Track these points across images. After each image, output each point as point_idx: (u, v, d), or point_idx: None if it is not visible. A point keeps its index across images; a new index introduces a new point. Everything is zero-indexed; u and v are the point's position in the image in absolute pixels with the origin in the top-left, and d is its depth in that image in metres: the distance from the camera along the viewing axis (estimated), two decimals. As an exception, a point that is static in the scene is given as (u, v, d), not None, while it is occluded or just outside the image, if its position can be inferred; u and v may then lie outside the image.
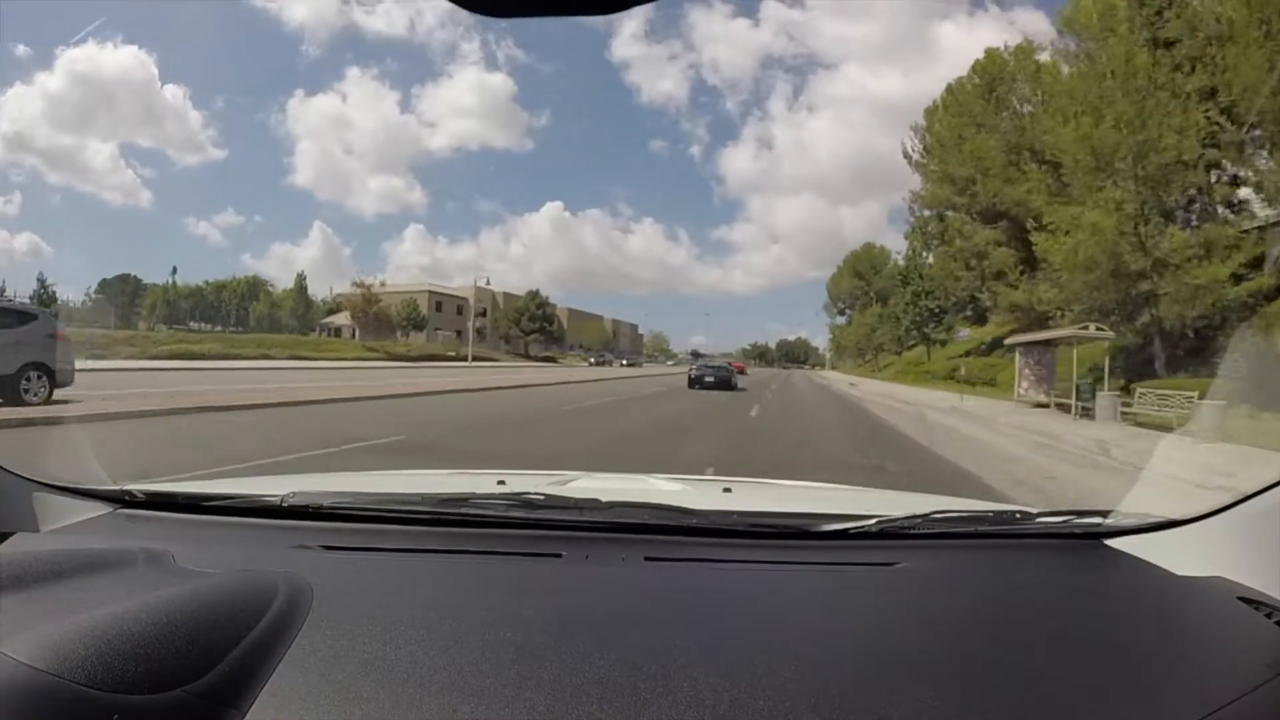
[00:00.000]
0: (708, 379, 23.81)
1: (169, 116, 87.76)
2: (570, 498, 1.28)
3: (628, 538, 1.17)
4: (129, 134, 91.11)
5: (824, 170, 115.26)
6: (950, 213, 35.32)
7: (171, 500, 1.30)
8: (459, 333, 61.74)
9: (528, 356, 62.33)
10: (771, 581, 1.06)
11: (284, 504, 1.24)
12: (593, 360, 60.16)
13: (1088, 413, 14.48)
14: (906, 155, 37.75)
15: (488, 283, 57.02)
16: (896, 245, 68.43)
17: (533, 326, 66.63)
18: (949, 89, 34.59)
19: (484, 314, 68.97)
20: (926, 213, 38.58)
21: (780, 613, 0.94)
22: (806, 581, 1.06)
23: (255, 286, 65.44)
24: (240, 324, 60.05)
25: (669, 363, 73.70)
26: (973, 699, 0.71)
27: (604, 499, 1.26)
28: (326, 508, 1.23)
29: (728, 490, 1.67)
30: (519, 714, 0.65)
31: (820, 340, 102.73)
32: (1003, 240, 30.38)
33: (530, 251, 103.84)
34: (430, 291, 65.89)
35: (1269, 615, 0.88)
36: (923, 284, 40.23)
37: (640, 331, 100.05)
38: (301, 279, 63.42)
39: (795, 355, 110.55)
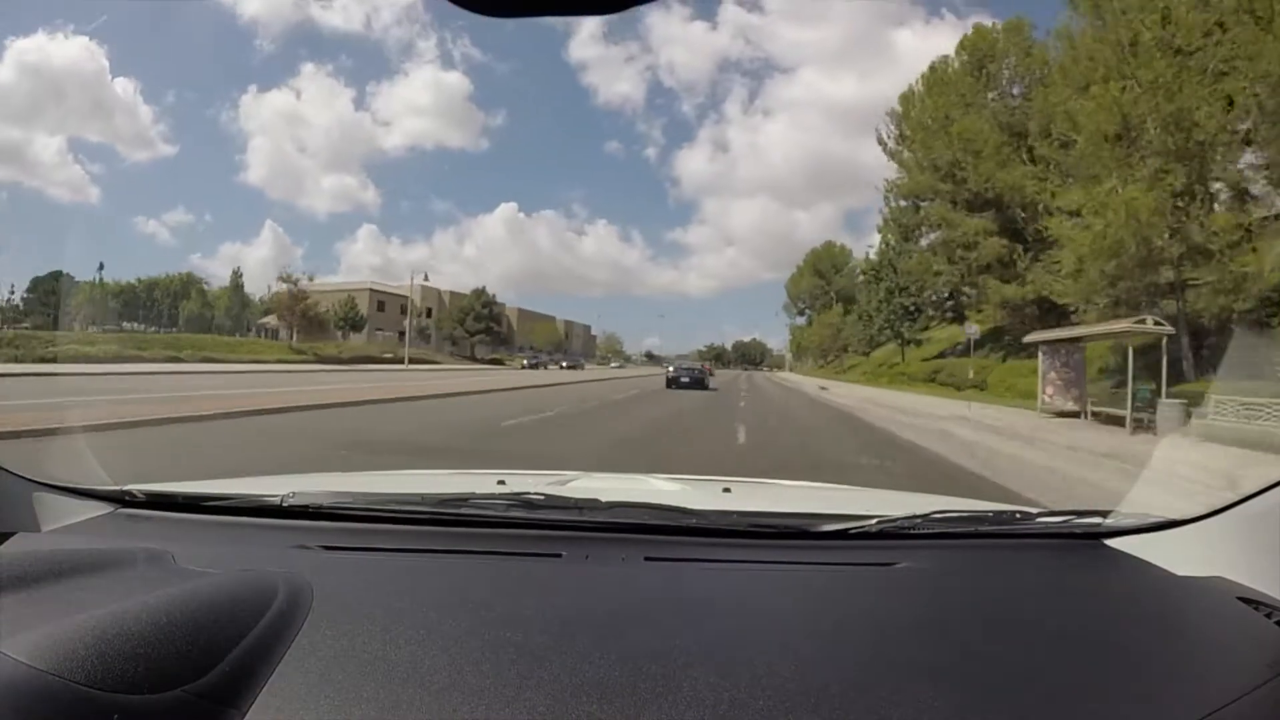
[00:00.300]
0: (684, 379, 26.48)
1: (119, 111, 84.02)
2: (570, 498, 1.28)
3: (628, 538, 1.17)
4: (78, 128, 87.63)
5: (779, 173, 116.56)
6: (930, 202, 32.42)
7: (172, 500, 1.30)
8: (401, 334, 57.91)
9: (473, 358, 58.62)
10: (771, 581, 1.05)
11: (284, 504, 1.23)
12: (526, 363, 53.62)
13: (1144, 425, 11.68)
14: (881, 142, 35.64)
15: (425, 278, 51.85)
16: (852, 247, 67.92)
17: (478, 327, 63.07)
18: (931, 68, 32.27)
19: (428, 314, 65.98)
20: (903, 203, 35.68)
21: (780, 613, 0.94)
22: (806, 581, 1.05)
23: (188, 284, 61.71)
24: (173, 324, 56.40)
25: (614, 364, 71.14)
26: (973, 699, 0.71)
27: (604, 499, 1.25)
28: (326, 508, 1.23)
29: (727, 490, 1.67)
30: (519, 714, 0.65)
31: (775, 341, 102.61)
32: (993, 229, 28.15)
33: (484, 253, 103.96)
34: (372, 290, 62.54)
35: (1269, 615, 0.88)
36: (897, 279, 37.47)
37: (594, 333, 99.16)
38: (237, 276, 58.43)
39: (751, 357, 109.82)
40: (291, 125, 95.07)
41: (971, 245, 28.54)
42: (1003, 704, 0.71)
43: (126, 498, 1.29)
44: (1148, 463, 8.01)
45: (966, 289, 31.05)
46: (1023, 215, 24.93)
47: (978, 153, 26.96)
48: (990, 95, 28.65)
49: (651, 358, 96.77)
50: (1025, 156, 23.43)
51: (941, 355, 35.83)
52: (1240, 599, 0.93)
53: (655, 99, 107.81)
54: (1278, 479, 1.00)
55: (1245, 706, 0.69)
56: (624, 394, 20.86)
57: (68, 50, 75.02)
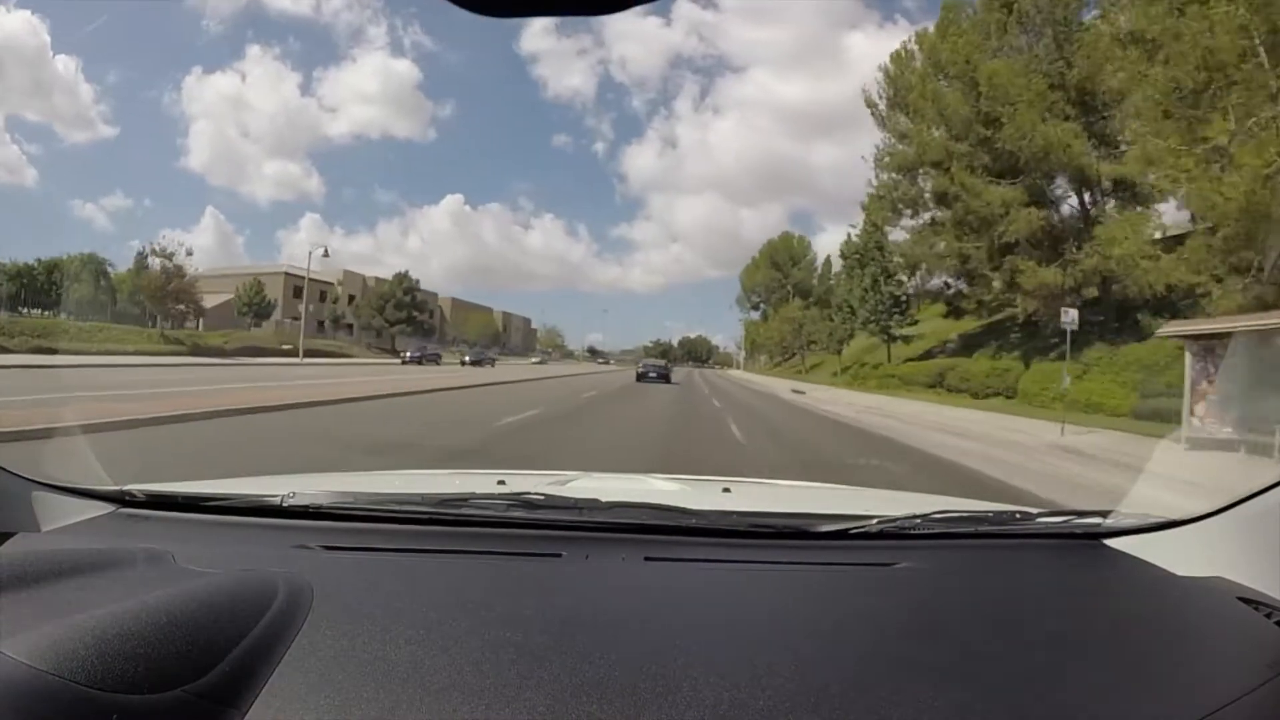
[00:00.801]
0: (651, 374, 30.56)
1: (59, 88, 77.99)
2: (570, 498, 1.28)
3: (628, 538, 1.17)
4: (16, 106, 79.73)
5: (727, 171, 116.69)
6: (935, 171, 26.56)
7: (172, 500, 1.30)
8: (321, 323, 53.40)
9: (394, 351, 50.09)
10: (771, 581, 1.06)
11: (284, 504, 1.23)
12: (410, 355, 42.65)
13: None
14: (871, 104, 30.53)
15: (325, 253, 40.22)
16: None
17: (398, 315, 54.71)
18: (945, 7, 26.87)
19: (349, 301, 59.31)
20: (894, 176, 29.71)
21: (780, 613, 0.94)
22: (806, 581, 1.06)
23: (89, 266, 50.70)
24: (65, 309, 46.83)
25: (532, 359, 62.85)
26: (973, 699, 0.71)
27: (604, 499, 1.26)
28: (326, 508, 1.23)
29: (727, 490, 1.67)
30: (519, 714, 0.65)
31: (722, 338, 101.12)
32: (1023, 199, 22.48)
33: (429, 245, 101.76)
34: (288, 274, 55.16)
35: (1269, 615, 0.88)
36: (885, 263, 32.07)
37: (534, 326, 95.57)
38: (142, 259, 42.64)
39: (698, 354, 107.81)
40: (236, 109, 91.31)
41: (993, 220, 22.94)
42: (1003, 704, 0.71)
43: (126, 498, 1.28)
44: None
45: (986, 273, 25.17)
46: (1070, 181, 20.91)
47: (1013, 102, 21.24)
48: (1020, 39, 23.14)
49: (594, 353, 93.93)
50: (1071, 110, 18.80)
51: (928, 355, 31.55)
52: (1240, 599, 0.93)
53: (606, 94, 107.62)
54: (1278, 479, 1.00)
55: (1245, 706, 0.69)
56: (572, 408, 14.28)
57: (8, 24, 69.94)
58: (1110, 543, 1.20)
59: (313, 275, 52.85)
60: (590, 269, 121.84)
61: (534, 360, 60.71)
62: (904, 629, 0.89)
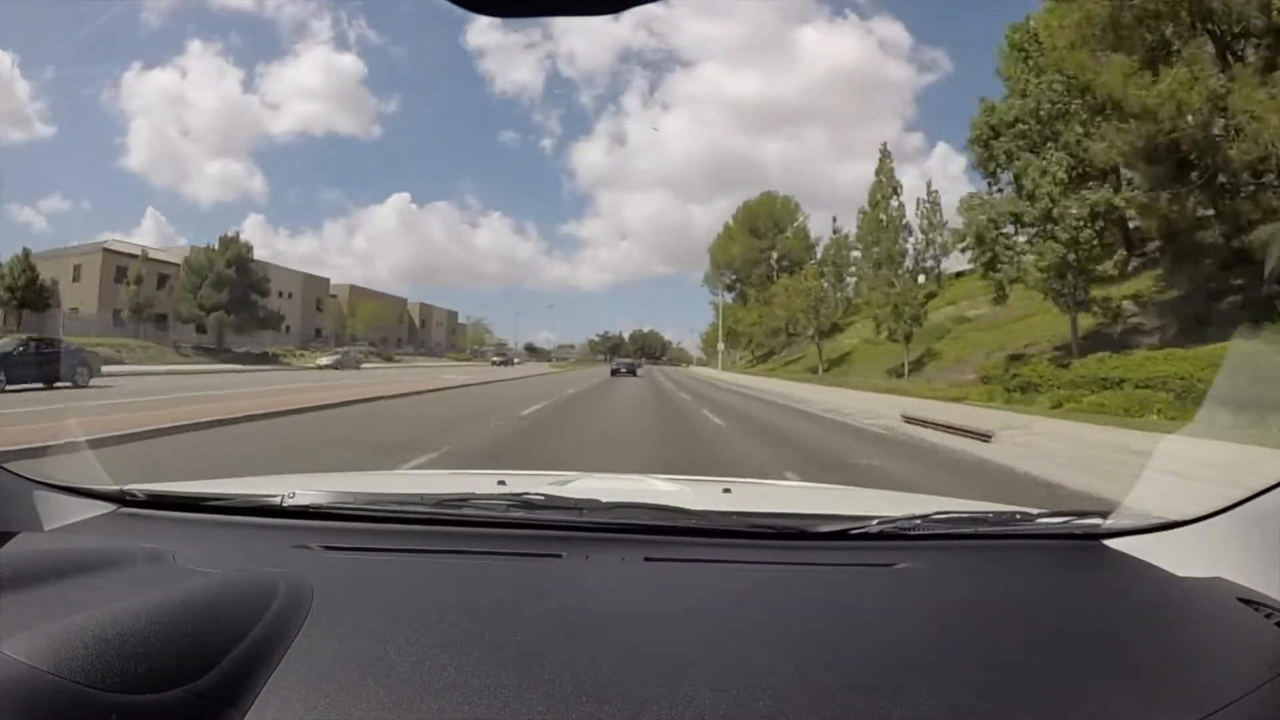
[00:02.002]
0: (622, 370, 34.76)
1: None
2: (570, 498, 1.28)
3: (628, 538, 1.17)
4: None
5: (676, 167, 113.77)
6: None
7: (172, 500, 1.30)
8: (118, 312, 37.79)
9: (217, 352, 35.73)
10: (771, 582, 1.05)
11: (284, 504, 1.23)
12: (326, 360, 33.65)
13: None
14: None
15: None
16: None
17: (216, 299, 35.98)
18: None
19: (160, 283, 40.68)
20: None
21: (780, 613, 0.94)
22: (806, 582, 1.06)
23: None
24: None
25: (494, 359, 50.85)
26: (973, 699, 0.71)
27: (604, 499, 1.25)
28: (327, 508, 1.23)
29: (727, 491, 1.66)
30: (519, 714, 0.65)
31: (674, 333, 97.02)
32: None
33: (375, 245, 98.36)
34: (108, 250, 41.99)
35: (1269, 616, 0.88)
36: (1078, 154, 18.05)
37: (461, 320, 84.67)
38: (28, 253, 33.42)
39: (651, 350, 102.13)
40: (176, 107, 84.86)
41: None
42: (1002, 704, 0.71)
43: (127, 497, 1.28)
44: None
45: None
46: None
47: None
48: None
49: (533, 351, 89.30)
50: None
51: (1107, 339, 18.38)
52: (1240, 600, 0.93)
53: (553, 88, 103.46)
54: (1277, 480, 1.00)
55: (1245, 707, 0.69)
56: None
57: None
58: (1110, 543, 1.20)
59: (156, 255, 42.06)
60: (539, 267, 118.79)
61: (495, 361, 50.52)
62: (904, 629, 0.89)
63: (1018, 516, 1.29)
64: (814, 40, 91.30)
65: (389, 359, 49.22)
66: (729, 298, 56.56)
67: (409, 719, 0.65)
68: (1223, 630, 0.89)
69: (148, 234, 78.69)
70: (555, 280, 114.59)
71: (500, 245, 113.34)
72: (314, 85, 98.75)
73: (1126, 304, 20.24)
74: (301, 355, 41.20)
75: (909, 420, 12.24)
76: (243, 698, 0.65)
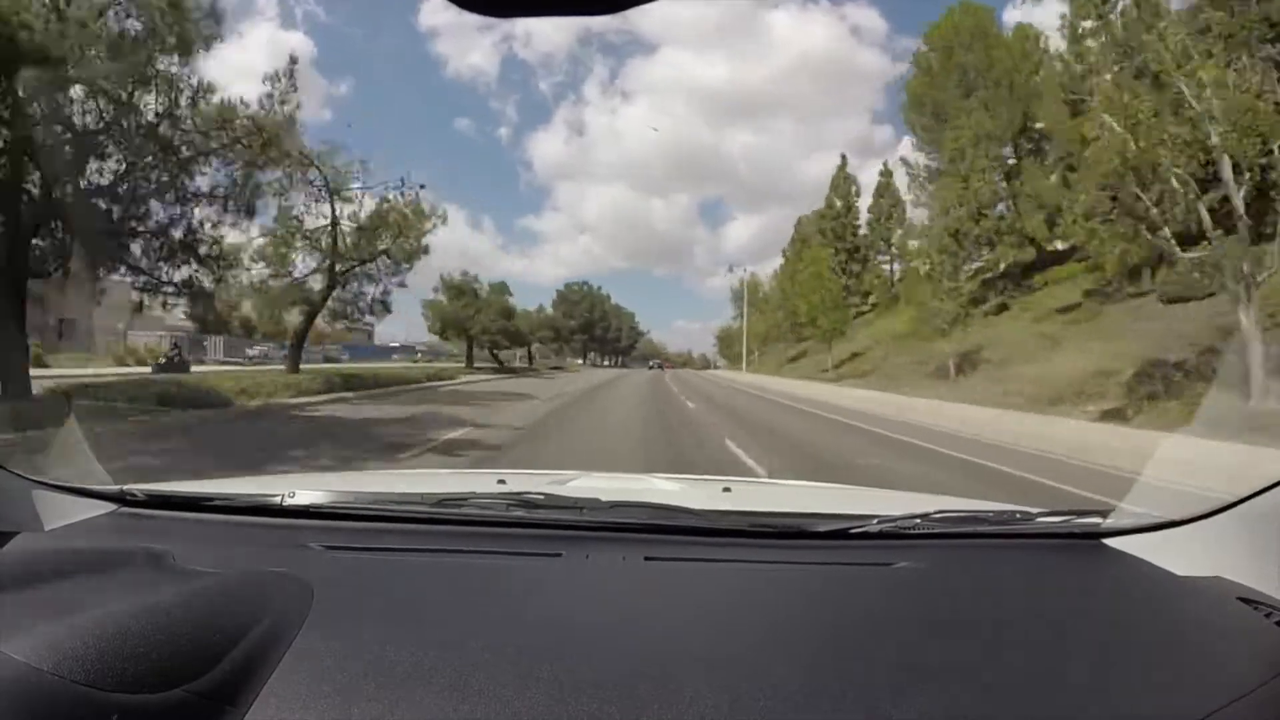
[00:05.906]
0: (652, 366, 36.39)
1: None
2: (570, 497, 1.28)
3: (628, 537, 1.17)
4: None
5: (637, 159, 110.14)
6: None
7: (172, 500, 1.30)
8: None
9: None
10: (771, 581, 1.06)
11: (284, 504, 1.23)
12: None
13: None
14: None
15: None
16: (706, 240, 47.58)
17: None
18: None
19: None
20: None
21: (780, 612, 0.95)
22: (806, 581, 1.06)
23: None
24: None
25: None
26: (972, 699, 0.71)
27: (604, 499, 1.25)
28: (327, 507, 1.23)
29: (728, 490, 1.66)
30: (519, 714, 0.66)
31: (656, 332, 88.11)
32: None
33: None
34: None
35: (1269, 615, 0.88)
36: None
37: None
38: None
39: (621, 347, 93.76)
40: None
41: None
42: (1002, 704, 0.71)
43: (127, 497, 1.28)
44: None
45: None
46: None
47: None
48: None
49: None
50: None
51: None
52: (1240, 599, 0.93)
53: (510, 73, 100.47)
54: (1277, 479, 1.00)
55: (1245, 706, 0.69)
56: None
57: None
58: (1110, 542, 1.20)
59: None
60: (495, 261, 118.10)
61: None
62: (903, 629, 0.89)
63: (1018, 516, 1.29)
64: (786, 25, 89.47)
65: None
66: (928, 159, 35.87)
67: (409, 719, 0.65)
68: (1223, 630, 0.89)
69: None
70: (513, 276, 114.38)
71: (455, 239, 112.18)
72: (260, 66, 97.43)
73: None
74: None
75: None
76: (243, 697, 0.65)
